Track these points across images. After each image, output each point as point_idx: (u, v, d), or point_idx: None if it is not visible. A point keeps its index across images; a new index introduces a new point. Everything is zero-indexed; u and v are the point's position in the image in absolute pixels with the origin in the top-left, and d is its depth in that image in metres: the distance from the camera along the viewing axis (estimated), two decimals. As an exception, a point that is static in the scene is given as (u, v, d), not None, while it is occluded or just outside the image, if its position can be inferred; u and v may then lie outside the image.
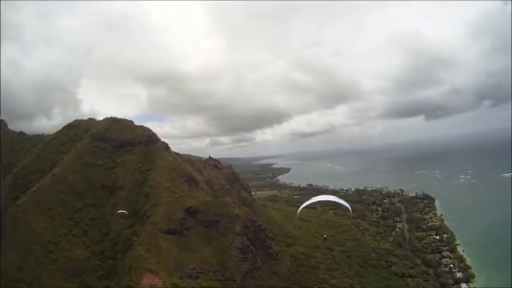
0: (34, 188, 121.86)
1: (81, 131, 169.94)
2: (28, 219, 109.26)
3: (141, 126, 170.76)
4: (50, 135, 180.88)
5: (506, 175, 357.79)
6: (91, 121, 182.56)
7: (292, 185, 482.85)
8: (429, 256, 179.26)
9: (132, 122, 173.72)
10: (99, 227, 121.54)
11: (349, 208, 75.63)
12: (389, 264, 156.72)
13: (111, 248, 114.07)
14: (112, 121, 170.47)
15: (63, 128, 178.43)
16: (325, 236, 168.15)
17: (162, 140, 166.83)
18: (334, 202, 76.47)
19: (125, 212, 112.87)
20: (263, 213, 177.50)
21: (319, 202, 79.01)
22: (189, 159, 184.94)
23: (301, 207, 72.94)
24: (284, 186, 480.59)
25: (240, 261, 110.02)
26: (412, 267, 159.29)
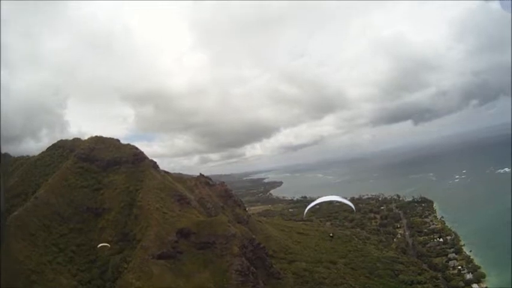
0: (16, 213, 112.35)
1: (66, 151, 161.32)
2: (9, 247, 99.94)
3: (128, 144, 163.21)
4: (34, 156, 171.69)
5: (501, 171, 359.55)
6: (76, 141, 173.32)
7: (286, 198, 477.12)
8: (436, 260, 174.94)
9: (118, 140, 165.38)
10: (86, 254, 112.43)
11: (353, 207, 76.57)
12: (396, 272, 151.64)
13: (99, 276, 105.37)
14: (97, 140, 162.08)
15: (47, 148, 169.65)
16: (331, 235, 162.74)
17: (151, 158, 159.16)
18: (338, 202, 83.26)
19: (107, 245, 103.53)
20: (260, 230, 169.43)
21: (324, 202, 77.26)
22: (179, 178, 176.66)
23: (308, 207, 74.61)
24: (277, 200, 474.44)
25: (240, 284, 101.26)
26: (420, 274, 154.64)
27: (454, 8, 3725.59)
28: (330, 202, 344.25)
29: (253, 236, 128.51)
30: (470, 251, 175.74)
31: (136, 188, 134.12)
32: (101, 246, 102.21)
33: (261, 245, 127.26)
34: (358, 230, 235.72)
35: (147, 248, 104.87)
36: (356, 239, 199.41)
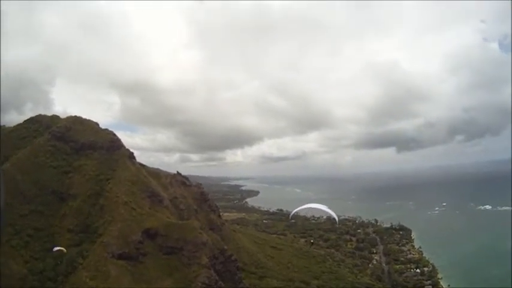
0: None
1: (42, 127, 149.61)
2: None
3: (106, 129, 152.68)
4: (10, 127, 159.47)
5: (482, 207, 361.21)
6: (55, 118, 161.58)
7: (261, 208, 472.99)
8: None
9: (97, 124, 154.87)
10: (43, 240, 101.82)
11: (336, 219, 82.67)
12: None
13: (52, 268, 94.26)
14: (75, 120, 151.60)
15: (24, 121, 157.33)
16: (312, 241, 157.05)
17: (132, 150, 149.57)
18: (325, 211, 76.97)
19: (63, 249, 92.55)
20: (232, 240, 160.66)
21: (310, 209, 77.43)
22: (155, 173, 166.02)
23: (294, 211, 77.96)
24: (253, 210, 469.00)
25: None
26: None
27: (452, 42, 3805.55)
28: (306, 219, 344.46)
29: (225, 247, 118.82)
30: (449, 285, 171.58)
31: (107, 177, 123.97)
32: (57, 249, 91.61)
33: (233, 257, 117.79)
34: (333, 250, 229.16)
35: (107, 244, 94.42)
36: (331, 260, 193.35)
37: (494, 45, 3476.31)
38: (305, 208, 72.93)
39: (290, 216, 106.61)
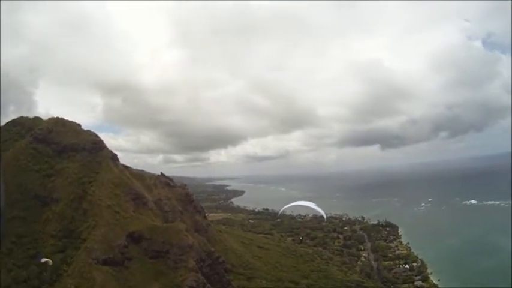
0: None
1: (24, 129, 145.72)
2: None
3: (88, 131, 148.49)
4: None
5: (468, 202, 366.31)
6: (36, 120, 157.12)
7: (247, 208, 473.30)
8: (402, 287, 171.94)
9: (79, 125, 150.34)
10: (27, 247, 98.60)
11: (325, 216, 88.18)
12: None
13: (37, 276, 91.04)
14: (57, 122, 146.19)
15: (6, 123, 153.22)
16: (301, 238, 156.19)
17: (115, 152, 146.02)
18: (312, 209, 78.80)
19: (49, 260, 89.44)
20: (219, 241, 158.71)
21: (299, 206, 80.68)
22: (139, 174, 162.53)
23: (282, 209, 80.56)
24: (238, 210, 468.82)
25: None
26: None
27: (436, 41, 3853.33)
28: (292, 217, 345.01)
29: (212, 249, 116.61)
30: (439, 280, 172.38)
31: (89, 180, 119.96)
32: (44, 261, 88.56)
33: (220, 259, 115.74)
34: (320, 249, 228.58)
35: (91, 250, 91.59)
36: (319, 258, 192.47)
37: (478, 44, 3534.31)
38: (294, 206, 75.83)
39: (279, 213, 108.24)
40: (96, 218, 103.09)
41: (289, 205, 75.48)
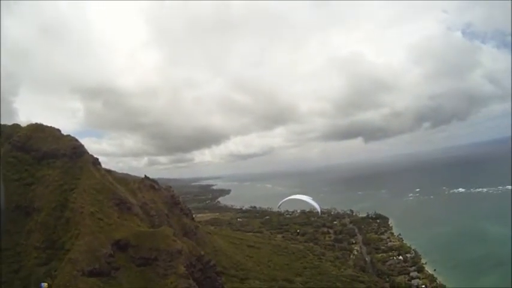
0: None
1: (3, 137, 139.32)
2: None
3: (68, 135, 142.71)
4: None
5: (455, 190, 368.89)
6: (15, 127, 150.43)
7: (234, 207, 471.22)
8: (398, 279, 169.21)
9: (59, 130, 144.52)
10: (10, 261, 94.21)
11: (319, 210, 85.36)
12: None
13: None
14: (36, 128, 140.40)
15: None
16: (298, 231, 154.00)
17: (99, 156, 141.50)
18: (308, 202, 77.56)
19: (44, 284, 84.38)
20: (208, 242, 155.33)
21: (295, 199, 78.92)
22: (123, 178, 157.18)
23: (281, 202, 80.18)
24: (226, 209, 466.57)
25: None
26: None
27: (416, 33, 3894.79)
28: (281, 214, 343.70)
29: (202, 253, 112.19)
30: (435, 270, 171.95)
31: (71, 187, 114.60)
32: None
33: (211, 262, 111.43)
34: (311, 244, 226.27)
35: (76, 261, 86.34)
36: (311, 254, 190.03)
37: (458, 34, 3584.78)
38: (289, 199, 75.41)
39: (277, 206, 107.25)
40: (79, 226, 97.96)
41: (285, 199, 76.42)
